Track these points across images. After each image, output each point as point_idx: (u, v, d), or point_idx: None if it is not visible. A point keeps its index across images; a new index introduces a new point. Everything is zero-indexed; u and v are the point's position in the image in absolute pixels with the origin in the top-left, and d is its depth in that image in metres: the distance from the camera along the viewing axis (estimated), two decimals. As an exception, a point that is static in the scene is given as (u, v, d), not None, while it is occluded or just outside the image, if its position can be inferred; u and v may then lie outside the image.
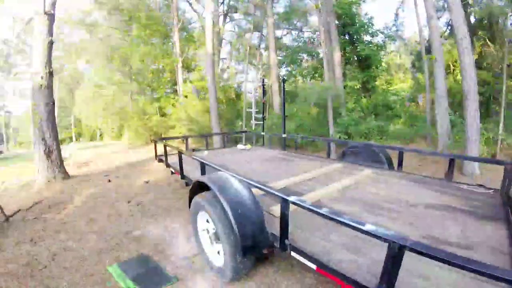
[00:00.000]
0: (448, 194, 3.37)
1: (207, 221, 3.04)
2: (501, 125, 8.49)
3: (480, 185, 3.64)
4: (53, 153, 7.59)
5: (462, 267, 1.28)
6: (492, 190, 3.43)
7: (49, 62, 7.61)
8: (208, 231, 3.06)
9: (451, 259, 1.32)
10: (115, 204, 5.52)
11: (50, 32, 7.60)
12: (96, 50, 21.08)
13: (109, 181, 7.61)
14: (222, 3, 20.75)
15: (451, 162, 4.04)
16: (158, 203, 5.59)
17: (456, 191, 3.46)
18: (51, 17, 7.59)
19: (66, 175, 7.93)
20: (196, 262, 3.34)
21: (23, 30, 19.40)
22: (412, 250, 1.46)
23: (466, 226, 2.51)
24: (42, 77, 7.35)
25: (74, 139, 32.22)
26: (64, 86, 29.97)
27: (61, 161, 7.96)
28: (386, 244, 1.56)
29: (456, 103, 11.96)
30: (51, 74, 7.65)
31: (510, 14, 10.35)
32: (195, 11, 23.08)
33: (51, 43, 7.65)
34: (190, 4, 22.48)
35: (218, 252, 2.94)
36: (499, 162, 3.60)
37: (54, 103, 7.76)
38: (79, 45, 22.37)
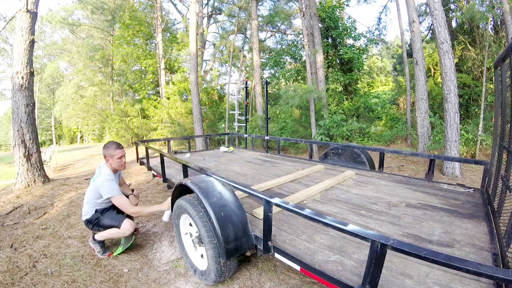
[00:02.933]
0: (429, 193, 3.42)
1: (190, 224, 3.00)
2: (480, 126, 8.71)
3: (460, 185, 3.70)
4: (33, 156, 7.36)
5: (445, 264, 1.28)
6: (472, 189, 3.50)
7: (30, 61, 7.39)
8: (191, 235, 3.01)
9: (433, 256, 1.32)
10: (96, 208, 5.39)
11: (32, 31, 7.40)
12: (77, 50, 20.79)
13: (90, 184, 7.43)
14: (207, 4, 20.71)
15: (431, 162, 4.11)
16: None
17: (437, 191, 3.51)
18: (33, 15, 7.39)
19: (46, 179, 7.70)
20: (179, 266, 3.28)
21: (4, 28, 18.87)
22: (394, 249, 1.46)
23: (448, 224, 2.54)
24: (22, 77, 7.13)
25: (54, 141, 31.53)
26: (44, 87, 29.32)
27: (41, 164, 7.70)
28: (369, 244, 1.56)
29: (436, 105, 12.23)
30: (31, 74, 7.42)
31: (491, 19, 10.64)
32: (179, 12, 23.01)
33: (32, 42, 7.44)
34: (175, 5, 22.40)
35: (202, 256, 2.90)
36: (478, 162, 3.66)
37: (34, 104, 7.52)
38: (60, 44, 21.98)
